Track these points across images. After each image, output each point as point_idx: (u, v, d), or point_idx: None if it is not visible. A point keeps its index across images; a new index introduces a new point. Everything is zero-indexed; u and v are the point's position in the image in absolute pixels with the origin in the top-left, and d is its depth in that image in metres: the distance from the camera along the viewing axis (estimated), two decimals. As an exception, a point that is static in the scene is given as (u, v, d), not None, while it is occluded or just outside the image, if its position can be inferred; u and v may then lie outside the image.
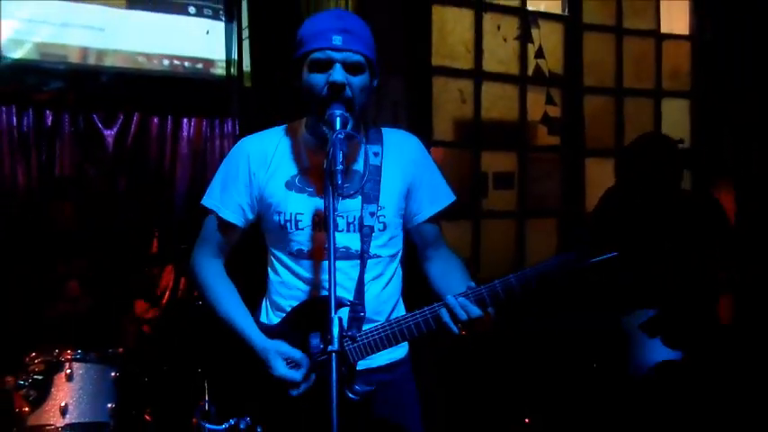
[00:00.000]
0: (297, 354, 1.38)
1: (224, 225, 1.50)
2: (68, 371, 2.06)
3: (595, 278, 1.27)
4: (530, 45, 3.59)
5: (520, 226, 3.65)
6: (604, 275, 1.28)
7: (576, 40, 3.72)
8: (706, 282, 2.33)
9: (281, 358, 1.37)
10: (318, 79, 1.33)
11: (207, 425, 1.44)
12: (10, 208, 2.81)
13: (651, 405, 2.27)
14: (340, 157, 1.24)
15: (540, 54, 3.60)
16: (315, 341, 1.35)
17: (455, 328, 1.31)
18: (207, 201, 1.51)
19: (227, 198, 1.48)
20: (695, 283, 2.29)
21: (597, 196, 2.64)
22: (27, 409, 2.03)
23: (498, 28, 3.49)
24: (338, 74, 1.32)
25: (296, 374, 1.36)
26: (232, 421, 1.42)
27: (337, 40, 1.32)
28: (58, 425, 2.01)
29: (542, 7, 3.84)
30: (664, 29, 3.99)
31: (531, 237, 3.66)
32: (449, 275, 1.50)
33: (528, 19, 3.58)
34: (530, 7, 3.63)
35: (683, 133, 4.04)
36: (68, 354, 2.09)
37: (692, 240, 2.29)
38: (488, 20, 3.46)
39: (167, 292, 3.01)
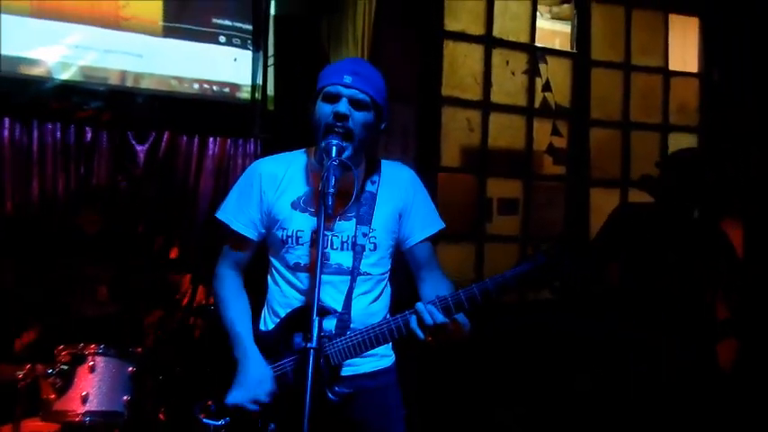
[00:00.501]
0: (265, 396, 1.52)
1: (237, 238, 1.66)
2: (91, 363, 2.24)
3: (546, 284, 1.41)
4: (537, 79, 3.74)
5: (523, 250, 3.77)
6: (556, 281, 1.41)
7: (584, 75, 3.86)
8: (705, 302, 2.39)
9: (259, 387, 1.52)
10: (326, 108, 1.53)
11: (205, 420, 1.60)
12: (50, 214, 3.06)
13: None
14: (332, 181, 1.42)
15: (547, 87, 3.75)
16: (297, 339, 1.52)
17: (421, 334, 1.43)
18: (221, 214, 1.67)
19: (240, 213, 1.65)
20: (695, 300, 2.36)
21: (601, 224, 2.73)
22: (53, 396, 2.21)
23: (507, 63, 3.65)
24: (343, 106, 1.51)
25: (253, 407, 1.51)
26: (228, 419, 1.57)
27: (348, 79, 1.53)
28: (78, 411, 2.19)
29: (557, 44, 4.00)
30: (672, 66, 4.09)
31: (533, 261, 3.76)
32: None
33: (536, 55, 3.74)
34: (538, 44, 3.81)
35: (690, 167, 4.12)
36: (92, 348, 2.28)
37: (695, 261, 2.36)
38: (497, 55, 3.63)
39: (185, 299, 3.22)
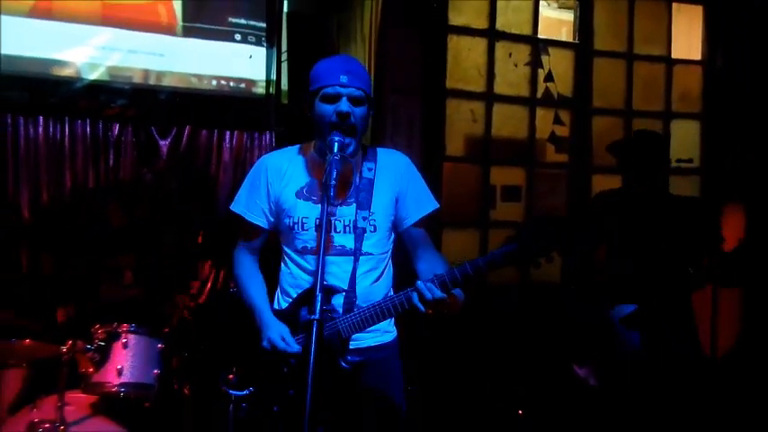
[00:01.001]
0: (289, 335, 1.72)
1: (250, 227, 1.85)
2: (124, 340, 2.45)
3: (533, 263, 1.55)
4: (540, 70, 3.83)
5: (526, 236, 3.89)
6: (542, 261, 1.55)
7: (587, 65, 3.93)
8: (686, 279, 2.52)
9: (279, 333, 1.72)
10: (328, 109, 1.69)
11: (230, 390, 1.80)
12: (80, 205, 3.28)
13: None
14: (334, 174, 1.60)
15: (549, 78, 3.85)
16: (303, 312, 1.71)
17: (422, 308, 1.60)
18: (235, 207, 1.87)
19: (251, 204, 1.83)
20: (679, 280, 2.48)
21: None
22: (91, 369, 2.42)
23: (510, 55, 3.75)
24: (344, 105, 1.68)
25: (281, 343, 1.70)
26: (252, 389, 1.77)
27: (344, 78, 1.68)
28: (114, 383, 2.40)
29: (564, 34, 4.08)
30: (676, 55, 4.12)
31: (536, 246, 3.88)
32: (433, 272, 1.78)
33: (538, 47, 3.84)
34: (545, 34, 3.90)
35: (693, 154, 4.19)
36: (125, 326, 2.49)
37: (681, 241, 2.48)
38: (500, 47, 3.72)
39: (208, 284, 3.44)
